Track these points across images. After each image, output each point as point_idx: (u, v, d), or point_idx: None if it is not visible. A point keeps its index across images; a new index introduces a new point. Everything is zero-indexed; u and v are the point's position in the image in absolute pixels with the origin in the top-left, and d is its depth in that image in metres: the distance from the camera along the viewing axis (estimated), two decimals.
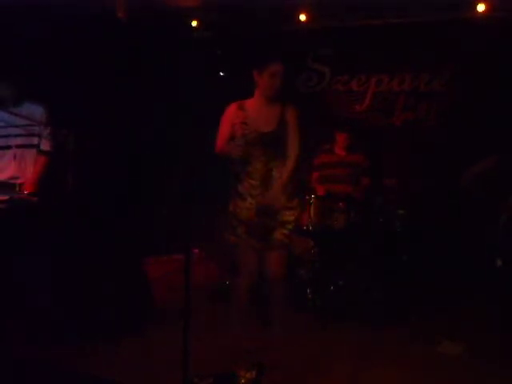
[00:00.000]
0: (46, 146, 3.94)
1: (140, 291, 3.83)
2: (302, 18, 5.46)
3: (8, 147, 3.92)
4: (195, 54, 5.64)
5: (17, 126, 3.85)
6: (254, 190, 3.02)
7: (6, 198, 3.57)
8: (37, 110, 3.93)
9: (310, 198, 4.39)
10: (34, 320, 3.25)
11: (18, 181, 3.91)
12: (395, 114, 5.55)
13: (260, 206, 3.00)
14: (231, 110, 3.12)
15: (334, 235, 4.31)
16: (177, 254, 5.36)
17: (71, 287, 3.42)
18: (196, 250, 5.61)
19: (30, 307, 3.27)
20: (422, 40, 5.24)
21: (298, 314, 3.90)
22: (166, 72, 5.57)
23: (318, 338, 3.62)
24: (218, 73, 5.66)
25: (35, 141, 3.94)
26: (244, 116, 3.06)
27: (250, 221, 3.01)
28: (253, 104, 3.11)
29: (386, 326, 3.78)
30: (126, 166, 5.19)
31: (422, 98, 5.45)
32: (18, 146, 3.93)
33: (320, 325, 3.86)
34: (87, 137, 4.26)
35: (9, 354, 3.05)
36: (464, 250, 4.51)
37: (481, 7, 4.89)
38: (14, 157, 3.92)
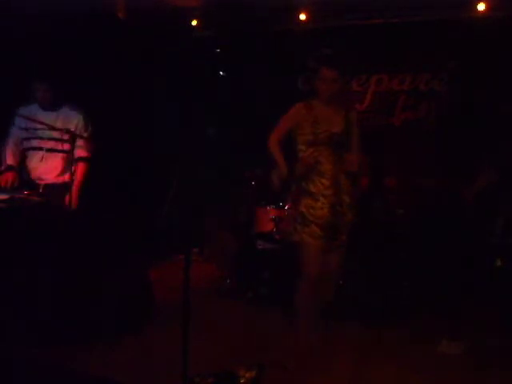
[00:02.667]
0: (83, 152, 4.03)
1: (140, 291, 3.83)
2: (302, 17, 5.47)
3: (40, 149, 3.99)
4: (195, 53, 5.65)
5: (50, 130, 3.92)
6: (326, 190, 3.07)
7: (6, 197, 3.58)
8: (75, 116, 4.01)
9: None
10: (34, 320, 3.24)
11: (43, 182, 4.03)
12: (395, 113, 5.56)
13: (333, 206, 3.06)
14: (298, 108, 3.17)
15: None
16: (177, 254, 5.37)
17: (71, 287, 3.42)
18: (196, 250, 5.62)
19: (29, 307, 3.27)
20: (422, 40, 5.24)
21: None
22: (166, 72, 5.57)
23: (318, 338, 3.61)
24: (218, 72, 5.67)
25: (62, 146, 4.02)
26: (314, 115, 3.11)
27: (324, 220, 3.06)
28: (319, 105, 3.15)
29: (385, 326, 3.77)
30: (126, 166, 5.19)
31: (422, 97, 5.45)
32: (48, 150, 4.00)
33: (320, 324, 3.85)
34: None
35: (9, 354, 3.04)
36: (464, 250, 4.51)
37: (481, 7, 4.89)
38: (42, 159, 3.98)
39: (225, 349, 3.27)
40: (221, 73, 5.87)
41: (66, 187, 3.85)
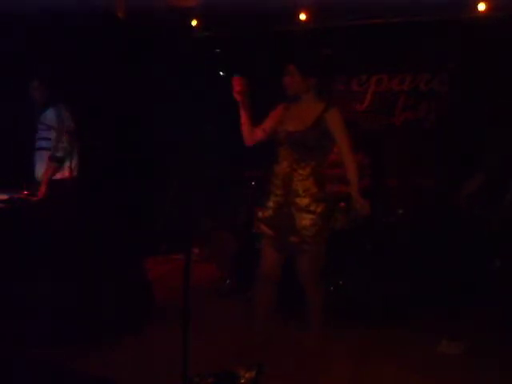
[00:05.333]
0: (58, 151, 4.04)
1: (140, 291, 3.83)
2: (302, 17, 5.47)
3: (43, 148, 4.06)
4: (195, 53, 5.65)
5: (44, 130, 4.05)
6: (277, 189, 3.00)
7: (6, 197, 3.58)
8: (56, 116, 4.05)
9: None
10: (34, 320, 3.24)
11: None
12: (395, 113, 5.56)
13: (280, 207, 2.98)
14: (278, 108, 3.15)
15: (334, 235, 4.30)
16: (177, 254, 5.38)
17: (71, 287, 3.42)
18: (196, 250, 5.62)
19: (29, 307, 3.27)
20: (422, 40, 5.24)
21: (297, 313, 3.89)
22: (165, 72, 5.57)
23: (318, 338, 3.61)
24: (218, 72, 5.64)
25: (46, 144, 4.08)
26: (284, 115, 3.08)
27: (270, 220, 3.01)
28: (293, 105, 3.10)
29: (385, 326, 3.77)
30: (125, 166, 5.19)
31: (422, 97, 5.45)
32: (42, 149, 4.05)
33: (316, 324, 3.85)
34: (88, 137, 4.28)
35: (9, 354, 3.04)
36: (464, 250, 4.51)
37: (481, 7, 4.89)
38: (41, 158, 4.03)
39: (225, 349, 3.27)
40: (221, 73, 5.85)
41: (64, 184, 3.94)
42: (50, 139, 4.04)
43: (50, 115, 4.04)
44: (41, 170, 4.08)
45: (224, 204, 5.29)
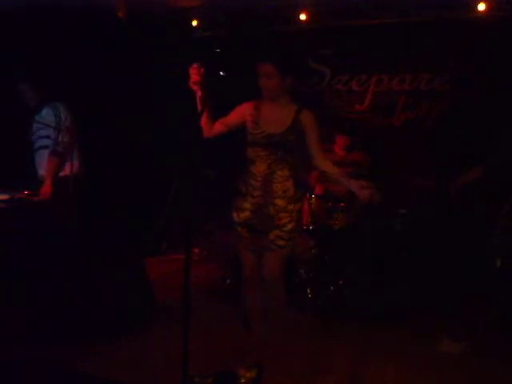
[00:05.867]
0: (57, 147, 4.04)
1: (140, 291, 3.83)
2: (302, 17, 5.47)
3: (46, 147, 4.10)
4: (195, 53, 5.64)
5: (40, 129, 4.08)
6: (255, 191, 2.98)
7: (6, 197, 3.58)
8: (52, 115, 4.05)
9: (310, 197, 4.39)
10: (34, 320, 3.24)
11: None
12: (395, 113, 5.56)
13: (259, 208, 2.97)
14: (247, 106, 3.08)
15: (334, 235, 4.31)
16: (177, 254, 5.38)
17: (71, 287, 3.42)
18: (196, 250, 5.62)
19: (29, 307, 3.27)
20: (422, 40, 5.24)
21: (298, 313, 3.89)
22: (165, 72, 5.57)
23: (318, 338, 3.61)
24: (218, 73, 5.64)
25: (47, 142, 4.08)
26: (257, 115, 3.02)
27: (248, 222, 3.00)
28: (266, 105, 3.05)
29: (386, 326, 3.77)
30: (125, 166, 5.19)
31: (422, 97, 5.45)
32: (43, 147, 4.09)
33: (320, 325, 3.86)
34: (88, 136, 4.28)
35: (9, 354, 3.04)
36: (464, 250, 4.51)
37: (481, 7, 4.89)
38: (42, 157, 4.04)
39: (225, 349, 3.27)
40: (221, 73, 5.84)
41: (64, 182, 3.92)
42: (48, 137, 4.05)
43: (46, 114, 4.04)
44: (43, 168, 4.08)
45: (224, 204, 5.28)
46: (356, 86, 5.68)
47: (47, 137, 4.07)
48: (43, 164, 4.08)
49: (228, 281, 4.60)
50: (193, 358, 2.43)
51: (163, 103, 5.47)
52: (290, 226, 2.97)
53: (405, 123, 5.51)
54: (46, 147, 4.07)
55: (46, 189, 3.92)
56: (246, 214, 3.00)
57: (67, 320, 3.28)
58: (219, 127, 3.08)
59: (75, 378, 2.95)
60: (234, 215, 3.05)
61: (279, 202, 2.95)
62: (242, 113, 3.08)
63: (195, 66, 2.96)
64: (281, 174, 2.96)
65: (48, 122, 3.99)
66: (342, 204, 4.35)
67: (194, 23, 5.80)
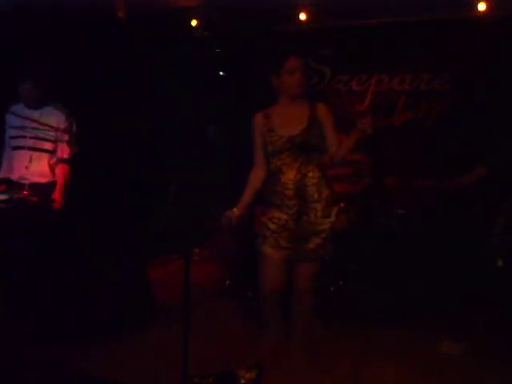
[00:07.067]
0: (65, 153, 3.98)
1: (140, 291, 3.83)
2: (302, 17, 5.47)
3: (27, 148, 3.98)
4: (195, 54, 5.65)
5: (33, 128, 3.92)
6: (289, 200, 2.85)
7: (6, 197, 3.58)
8: (57, 116, 3.96)
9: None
10: (34, 320, 3.24)
11: (27, 181, 3.95)
12: (395, 113, 5.56)
13: (299, 217, 2.85)
14: (257, 120, 2.97)
15: (334, 235, 4.30)
16: (177, 254, 5.37)
17: (71, 287, 3.42)
18: (196, 250, 5.62)
19: (29, 307, 3.27)
20: (422, 40, 5.24)
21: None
22: (165, 72, 5.57)
23: (319, 338, 3.61)
24: (218, 72, 5.66)
25: (47, 146, 3.99)
26: (270, 123, 2.91)
27: (290, 232, 2.87)
28: (278, 109, 2.96)
29: (386, 326, 3.77)
30: (125, 165, 5.19)
31: (422, 97, 5.45)
32: (34, 149, 3.97)
33: (320, 325, 3.85)
34: (86, 136, 4.28)
35: (9, 354, 3.04)
36: (464, 250, 4.51)
37: (481, 7, 4.89)
38: (30, 159, 3.96)
39: (225, 349, 3.27)
40: (221, 73, 5.86)
41: (50, 187, 3.88)
42: (42, 139, 3.94)
43: (49, 114, 3.95)
44: (24, 170, 3.97)
45: (224, 204, 5.28)
46: (356, 85, 5.68)
47: (37, 138, 3.94)
48: (32, 166, 3.97)
49: (228, 281, 4.60)
50: (193, 358, 2.43)
51: (163, 103, 5.46)
52: (329, 232, 2.88)
53: (405, 123, 5.52)
54: (34, 149, 3.97)
55: (59, 200, 3.86)
56: (288, 224, 2.86)
57: (67, 320, 3.28)
58: (262, 173, 3.00)
59: (75, 377, 2.95)
60: (270, 226, 2.89)
61: (317, 207, 2.85)
62: (257, 129, 2.97)
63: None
64: (312, 176, 2.85)
65: (50, 122, 3.89)
66: (341, 204, 4.34)
67: (194, 23, 5.79)
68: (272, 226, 2.89)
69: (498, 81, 4.98)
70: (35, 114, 3.94)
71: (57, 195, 3.87)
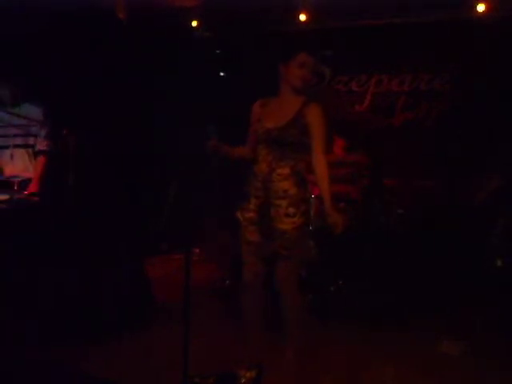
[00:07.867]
0: (42, 145, 4.00)
1: (140, 291, 3.83)
2: (302, 17, 5.47)
3: (6, 147, 3.97)
4: (195, 53, 5.65)
5: (15, 126, 3.93)
6: (257, 191, 2.83)
7: (6, 197, 3.58)
8: (34, 110, 3.99)
9: (310, 198, 4.39)
10: (34, 320, 3.25)
11: (17, 180, 3.95)
12: (395, 114, 5.56)
13: (262, 209, 2.80)
14: (254, 108, 2.99)
15: (334, 235, 4.30)
16: (177, 254, 5.38)
17: (71, 287, 3.42)
18: (196, 250, 5.63)
19: (29, 307, 3.27)
20: (422, 40, 5.25)
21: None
22: (165, 72, 5.58)
23: (318, 338, 3.61)
24: (218, 72, 5.66)
25: (31, 141, 4.02)
26: (261, 113, 2.92)
27: (253, 224, 2.84)
28: (274, 101, 2.94)
29: (385, 327, 3.77)
30: (125, 164, 5.19)
31: (422, 97, 5.45)
32: (16, 146, 3.99)
33: (320, 325, 3.86)
34: (86, 136, 4.28)
35: (9, 354, 3.05)
36: (464, 250, 4.52)
37: (481, 7, 4.89)
38: (11, 156, 3.97)
39: (225, 349, 3.27)
40: (221, 73, 5.86)
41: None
42: (25, 135, 3.96)
43: (29, 110, 3.94)
44: (18, 167, 3.98)
45: (224, 204, 5.29)
46: (356, 86, 5.69)
47: (18, 135, 3.95)
48: (14, 163, 3.97)
49: (228, 281, 4.60)
50: (193, 358, 2.43)
51: (163, 103, 5.47)
52: (294, 235, 2.76)
53: (404, 123, 5.52)
54: (16, 146, 3.97)
55: (33, 188, 3.85)
56: (250, 214, 2.84)
57: (67, 320, 3.28)
58: (250, 145, 2.98)
59: (75, 378, 2.95)
60: (239, 215, 2.89)
61: (279, 203, 2.77)
62: (253, 116, 2.97)
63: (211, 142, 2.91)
64: (280, 173, 2.78)
65: (31, 117, 3.89)
66: (341, 204, 4.35)
67: (194, 24, 5.79)
68: (242, 218, 2.89)
69: (498, 81, 4.98)
70: (14, 110, 3.96)
71: (32, 187, 3.86)
